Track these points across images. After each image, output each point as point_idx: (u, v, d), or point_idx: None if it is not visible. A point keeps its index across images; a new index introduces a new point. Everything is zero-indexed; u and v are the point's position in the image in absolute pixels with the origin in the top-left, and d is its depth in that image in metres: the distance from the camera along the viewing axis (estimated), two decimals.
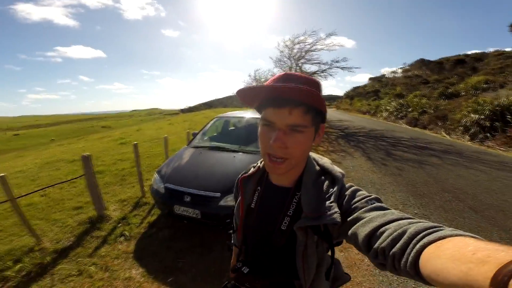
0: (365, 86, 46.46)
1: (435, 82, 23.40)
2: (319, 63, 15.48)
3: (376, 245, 0.45)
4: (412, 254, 0.37)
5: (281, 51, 15.89)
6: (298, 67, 15.89)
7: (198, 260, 2.45)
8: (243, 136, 3.87)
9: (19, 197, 2.61)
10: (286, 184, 0.70)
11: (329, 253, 0.68)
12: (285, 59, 15.97)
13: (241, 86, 0.66)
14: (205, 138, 4.07)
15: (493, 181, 4.54)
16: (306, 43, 15.04)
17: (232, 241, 0.91)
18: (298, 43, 15.12)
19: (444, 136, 11.40)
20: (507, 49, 24.49)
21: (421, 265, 0.35)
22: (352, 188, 0.63)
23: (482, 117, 9.96)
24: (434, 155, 6.84)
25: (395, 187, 4.31)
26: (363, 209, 0.54)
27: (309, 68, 16.16)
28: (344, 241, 0.63)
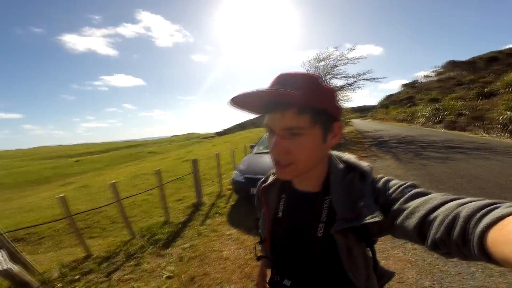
0: (398, 93, 45.45)
1: (470, 83, 22.88)
2: (345, 77, 15.65)
3: (431, 236, 0.42)
4: (474, 242, 0.34)
5: (307, 70, 15.73)
6: (326, 82, 16.37)
7: None
8: None
9: (166, 183, 4.16)
10: (312, 189, 0.65)
11: (369, 253, 0.62)
12: None
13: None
14: (261, 147, 5.55)
15: (509, 168, 5.28)
16: (331, 59, 15.19)
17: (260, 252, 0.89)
18: (323, 59, 15.40)
19: (484, 136, 11.56)
20: None
21: (489, 251, 0.32)
22: (383, 179, 0.59)
23: None
24: (461, 152, 7.49)
25: (416, 178, 5.24)
26: (402, 200, 0.50)
27: (337, 83, 16.30)
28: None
